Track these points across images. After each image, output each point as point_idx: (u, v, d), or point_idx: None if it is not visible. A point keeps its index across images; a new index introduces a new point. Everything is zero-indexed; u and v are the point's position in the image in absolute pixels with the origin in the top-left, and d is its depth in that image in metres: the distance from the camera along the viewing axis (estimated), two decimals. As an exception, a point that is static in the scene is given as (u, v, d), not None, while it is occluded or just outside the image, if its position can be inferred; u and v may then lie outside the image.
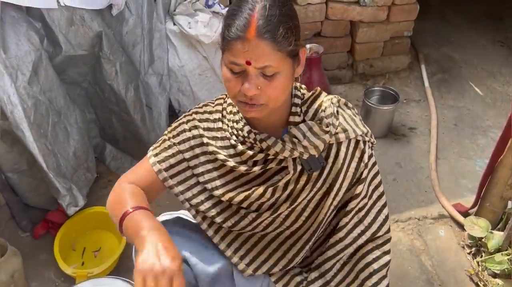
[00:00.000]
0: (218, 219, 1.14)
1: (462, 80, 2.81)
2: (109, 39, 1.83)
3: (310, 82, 2.48)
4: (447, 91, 2.73)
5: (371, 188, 1.15)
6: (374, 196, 1.16)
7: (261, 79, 0.94)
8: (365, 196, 1.14)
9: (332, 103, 1.09)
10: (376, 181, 1.16)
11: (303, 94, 1.10)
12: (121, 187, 1.11)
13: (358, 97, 2.67)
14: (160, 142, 1.16)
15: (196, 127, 1.13)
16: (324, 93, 1.13)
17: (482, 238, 1.83)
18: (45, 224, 1.85)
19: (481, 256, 1.82)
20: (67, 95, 1.83)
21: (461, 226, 1.95)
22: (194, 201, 1.15)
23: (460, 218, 1.96)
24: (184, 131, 1.14)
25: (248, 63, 0.91)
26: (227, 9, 2.15)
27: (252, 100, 0.96)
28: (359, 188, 1.12)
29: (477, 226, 1.84)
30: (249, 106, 0.97)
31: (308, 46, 2.48)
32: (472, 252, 1.86)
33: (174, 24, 2.12)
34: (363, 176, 1.11)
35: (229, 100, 1.13)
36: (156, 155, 1.14)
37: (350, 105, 1.15)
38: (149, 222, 0.98)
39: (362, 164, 1.11)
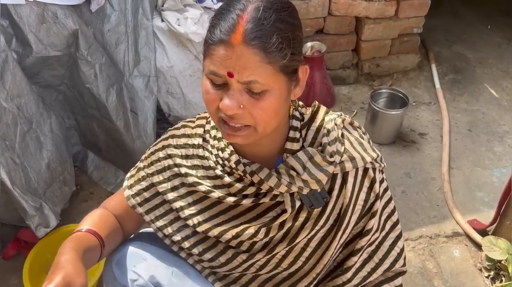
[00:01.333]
0: (203, 259, 0.98)
1: (476, 81, 2.61)
2: (87, 38, 1.64)
3: (312, 83, 2.30)
4: (460, 93, 2.53)
5: (383, 218, 0.99)
6: (387, 227, 1.00)
7: (245, 96, 0.75)
8: (376, 230, 0.97)
9: (336, 124, 0.91)
10: (388, 209, 1.00)
11: (302, 114, 0.91)
12: (97, 210, 1.04)
13: (363, 99, 2.48)
14: (136, 170, 1.03)
15: (170, 156, 0.97)
16: (323, 108, 0.94)
17: (502, 260, 1.64)
18: (16, 244, 1.68)
19: (501, 281, 1.64)
20: (41, 100, 1.64)
21: (478, 246, 1.76)
22: (175, 238, 0.99)
23: (476, 236, 1.77)
24: (158, 160, 0.98)
25: (230, 75, 0.73)
26: (220, 4, 1.98)
27: (233, 120, 0.77)
28: (370, 223, 0.95)
29: (497, 247, 1.66)
30: (232, 129, 0.78)
31: (309, 44, 2.30)
32: (491, 276, 1.68)
33: (162, 20, 1.93)
34: (375, 208, 0.94)
35: (213, 122, 0.95)
36: (130, 187, 1.02)
37: (356, 124, 0.97)
38: (76, 246, 0.87)
39: (373, 195, 0.94)
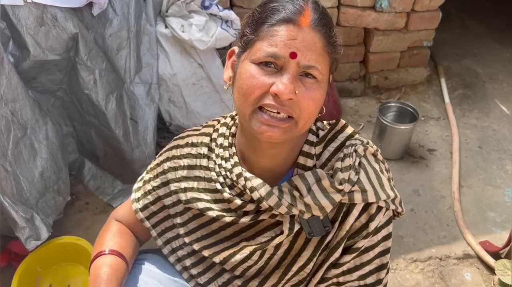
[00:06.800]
0: (200, 280, 0.95)
1: (486, 96, 2.55)
2: (87, 42, 1.58)
3: (318, 95, 2.23)
4: (470, 109, 2.46)
5: (371, 268, 0.87)
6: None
7: (298, 83, 0.72)
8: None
9: (356, 151, 0.81)
10: (379, 261, 0.86)
11: (318, 129, 0.85)
12: (111, 223, 1.02)
13: (370, 112, 2.41)
14: (142, 182, 0.99)
15: (174, 168, 0.92)
16: (350, 129, 0.85)
17: (516, 285, 1.56)
18: (6, 255, 1.59)
19: (515, 308, 1.55)
20: (37, 106, 1.57)
21: (490, 269, 1.68)
22: (179, 254, 0.97)
23: (489, 259, 1.69)
24: (163, 172, 0.94)
25: (293, 55, 0.70)
26: (226, 11, 1.92)
27: (282, 108, 0.72)
28: (344, 258, 0.85)
29: (510, 271, 1.57)
30: (273, 119, 0.72)
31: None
32: (504, 302, 1.59)
33: (166, 27, 1.87)
34: (357, 245, 0.83)
35: (221, 129, 0.89)
36: (137, 200, 0.99)
37: (380, 157, 0.86)
38: (108, 275, 0.88)
39: (365, 233, 0.82)
